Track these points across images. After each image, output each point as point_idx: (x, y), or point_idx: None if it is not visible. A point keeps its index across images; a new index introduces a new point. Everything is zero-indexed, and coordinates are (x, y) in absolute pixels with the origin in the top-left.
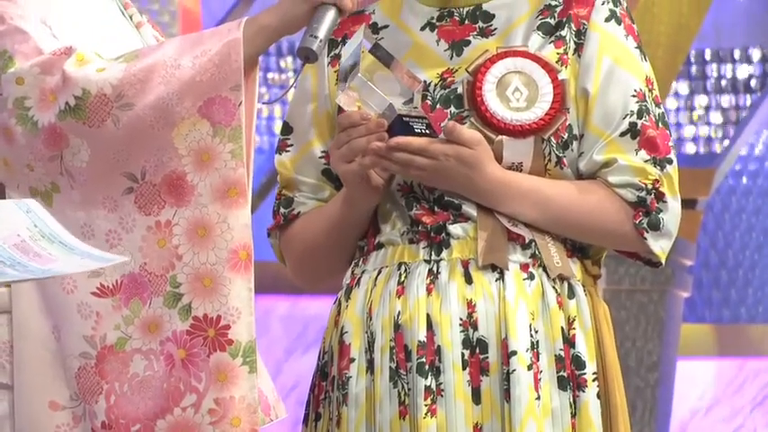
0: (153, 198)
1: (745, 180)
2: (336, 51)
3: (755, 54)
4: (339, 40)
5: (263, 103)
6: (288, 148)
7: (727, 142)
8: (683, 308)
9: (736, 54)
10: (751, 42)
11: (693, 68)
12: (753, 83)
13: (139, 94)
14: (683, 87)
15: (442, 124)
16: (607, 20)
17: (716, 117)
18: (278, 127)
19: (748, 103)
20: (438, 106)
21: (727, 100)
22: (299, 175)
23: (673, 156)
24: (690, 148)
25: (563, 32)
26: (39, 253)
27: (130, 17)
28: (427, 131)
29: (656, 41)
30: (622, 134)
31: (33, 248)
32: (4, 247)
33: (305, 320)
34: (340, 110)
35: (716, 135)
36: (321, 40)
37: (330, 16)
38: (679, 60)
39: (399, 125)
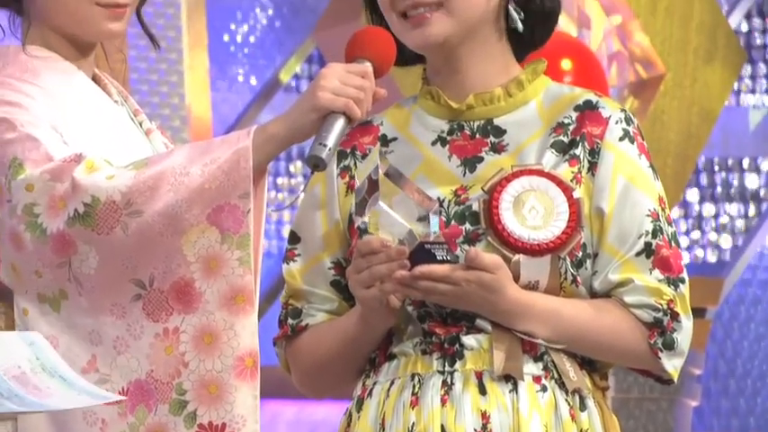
0: (161, 305)
1: (754, 289)
2: (346, 163)
3: (764, 164)
4: (348, 151)
5: (272, 210)
6: (296, 258)
7: (735, 251)
8: (691, 417)
9: (745, 163)
10: (760, 152)
11: (702, 177)
12: (762, 192)
13: (149, 201)
14: (691, 195)
15: (457, 241)
16: (621, 139)
17: (725, 226)
18: (286, 231)
19: (757, 212)
20: (453, 223)
21: (735, 209)
22: (307, 285)
23: (685, 275)
24: (698, 257)
25: (577, 151)
26: (38, 386)
27: (140, 124)
28: (448, 257)
29: (666, 150)
30: (637, 254)
31: (33, 381)
32: (4, 379)
33: (312, 426)
34: (351, 224)
35: (725, 244)
36: (330, 149)
37: (339, 125)
38: (688, 169)
39: (421, 252)
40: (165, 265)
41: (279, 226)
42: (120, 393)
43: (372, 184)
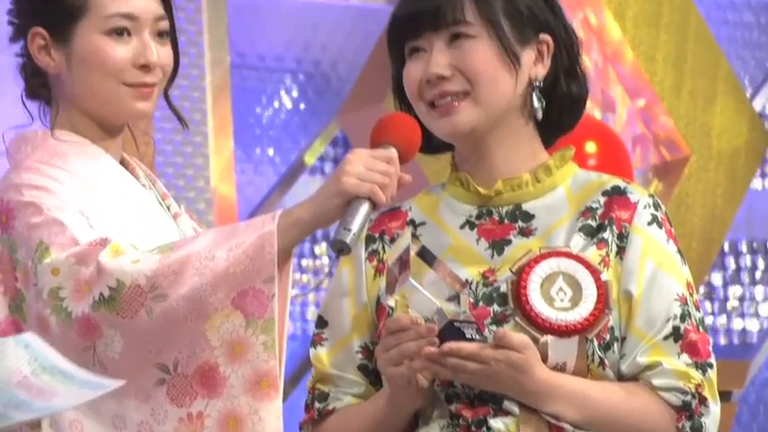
0: (185, 389)
1: None
2: (374, 247)
3: None
4: (377, 235)
5: (298, 295)
6: (323, 342)
7: (761, 334)
8: None
9: None
10: None
11: (728, 259)
12: None
13: (173, 285)
14: (716, 278)
15: (485, 322)
16: (649, 224)
17: (750, 308)
18: (311, 312)
19: None
20: (480, 304)
21: (761, 291)
22: (335, 369)
23: (713, 360)
24: (724, 340)
25: (605, 235)
26: (41, 388)
27: (168, 207)
28: (477, 336)
29: (690, 233)
30: (665, 337)
31: (36, 384)
32: (8, 389)
33: None
34: (379, 307)
35: (750, 327)
36: (354, 234)
37: (364, 210)
38: (713, 251)
39: (450, 330)
40: (189, 349)
41: (303, 308)
42: None
43: (403, 264)
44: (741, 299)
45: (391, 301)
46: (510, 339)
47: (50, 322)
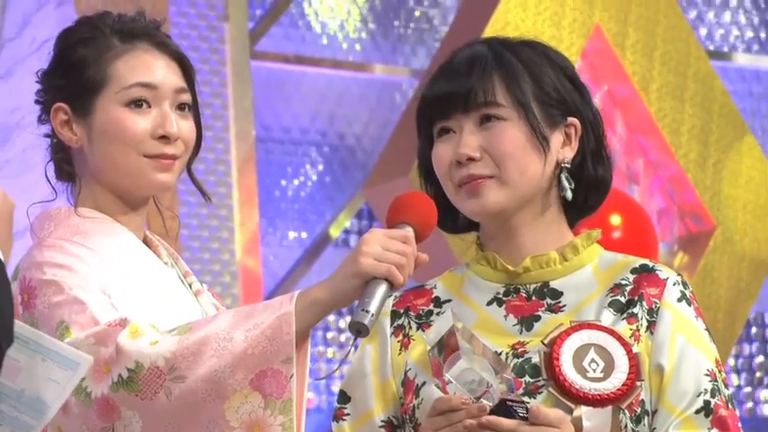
0: None
1: None
2: (400, 322)
3: None
4: (402, 311)
5: (317, 379)
6: (345, 417)
7: None
8: None
9: None
10: None
11: (753, 330)
12: None
13: (192, 366)
14: (743, 350)
15: (516, 391)
16: (679, 300)
17: None
18: (336, 385)
19: None
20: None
21: None
22: None
23: None
24: (752, 411)
25: (635, 310)
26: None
27: (190, 285)
28: (526, 415)
29: (716, 305)
30: (697, 412)
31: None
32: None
33: None
34: (406, 381)
35: None
36: (373, 315)
37: (381, 291)
38: (739, 325)
39: (501, 409)
40: (208, 430)
41: (329, 381)
42: None
43: (448, 346)
44: (766, 370)
45: (440, 382)
46: (546, 416)
47: (70, 402)
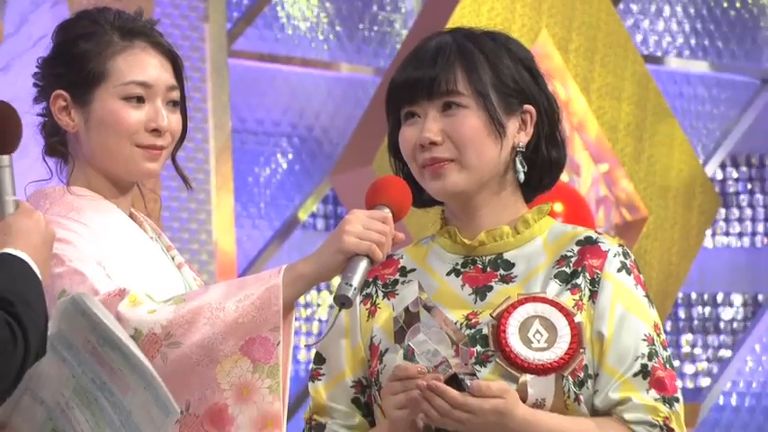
0: (196, 429)
1: (728, 413)
2: (368, 291)
3: (737, 299)
4: (370, 281)
5: (307, 346)
6: (320, 377)
7: (711, 378)
8: None
9: (719, 298)
10: (732, 288)
11: (681, 310)
12: (734, 325)
13: (187, 333)
14: (671, 327)
15: (469, 361)
16: (618, 270)
17: (701, 356)
18: (301, 355)
19: (731, 342)
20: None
21: (711, 340)
22: (330, 402)
23: (679, 395)
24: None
25: (578, 281)
26: (111, 367)
27: (173, 258)
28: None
29: (649, 286)
30: (635, 374)
31: (104, 358)
32: (90, 362)
33: None
34: (372, 347)
35: (701, 372)
36: (355, 288)
37: (363, 266)
38: (668, 304)
39: (453, 381)
40: (200, 391)
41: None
42: None
43: (411, 315)
44: (693, 346)
45: (401, 349)
46: (489, 390)
47: None
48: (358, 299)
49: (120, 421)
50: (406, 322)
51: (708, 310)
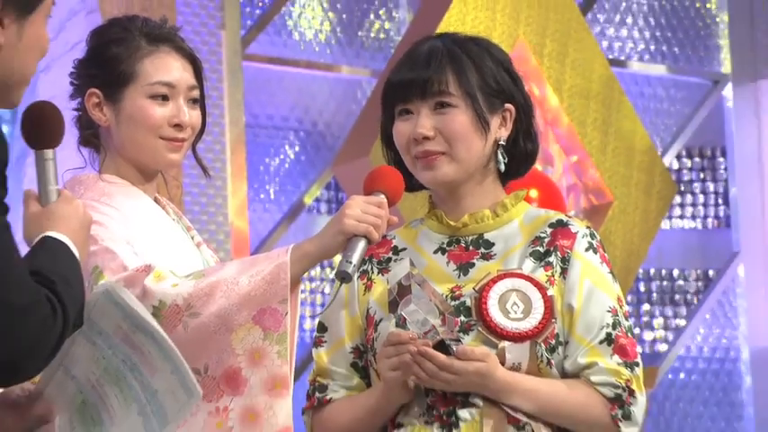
0: (213, 388)
1: (682, 375)
2: (365, 268)
3: (690, 274)
4: (366, 259)
5: (312, 316)
6: (323, 344)
7: (667, 345)
8: None
9: (675, 273)
10: (687, 265)
11: (641, 284)
12: (688, 297)
13: (205, 305)
14: (633, 300)
15: (455, 329)
16: (586, 250)
17: (658, 324)
18: (306, 324)
19: (686, 313)
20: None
21: (667, 310)
22: (332, 365)
23: (639, 360)
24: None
25: (551, 259)
26: (142, 351)
27: (192, 237)
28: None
29: (613, 263)
30: (600, 342)
31: (135, 342)
32: (121, 347)
33: None
34: (368, 317)
35: (659, 339)
36: (354, 265)
37: (361, 246)
38: (630, 278)
39: (440, 346)
40: (217, 356)
41: (301, 320)
42: None
43: (403, 288)
44: (652, 316)
45: (395, 318)
46: (473, 354)
47: None
48: (356, 275)
49: (146, 399)
50: (399, 294)
51: (665, 284)
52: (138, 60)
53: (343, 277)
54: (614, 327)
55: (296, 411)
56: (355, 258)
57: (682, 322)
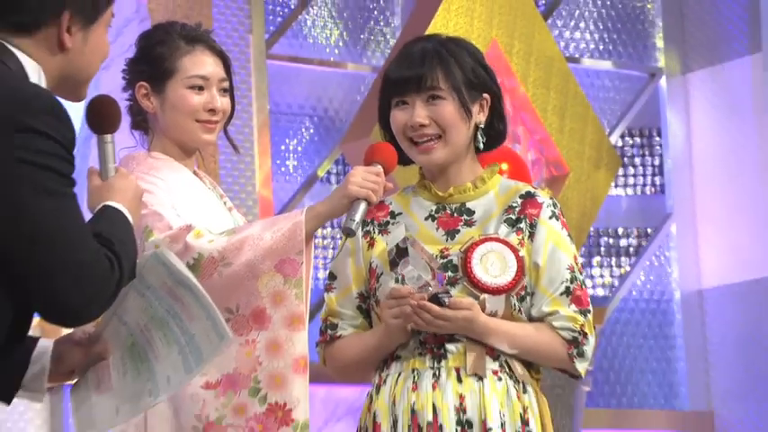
0: (243, 324)
1: (626, 314)
2: (367, 228)
3: (632, 232)
4: (369, 221)
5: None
6: (333, 290)
7: (614, 289)
8: (585, 398)
9: (620, 231)
10: (629, 224)
11: (592, 240)
12: (630, 250)
13: (236, 256)
14: (586, 253)
15: (443, 283)
16: (550, 217)
17: (607, 273)
18: (320, 273)
19: (628, 263)
20: (439, 270)
21: (614, 261)
22: (340, 308)
23: (590, 308)
24: (590, 293)
25: (521, 225)
26: (183, 302)
27: (224, 203)
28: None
29: (570, 224)
30: (560, 294)
31: (178, 294)
32: (165, 298)
33: (336, 401)
34: (370, 268)
35: (608, 283)
36: (357, 222)
37: (362, 207)
38: (583, 236)
39: (434, 299)
40: (246, 298)
41: (315, 270)
42: (215, 382)
43: (401, 250)
44: (601, 266)
45: (394, 276)
46: (461, 303)
47: None
48: (360, 233)
49: (185, 341)
50: (397, 255)
51: (611, 240)
52: (178, 58)
53: (348, 233)
54: (572, 281)
55: (310, 344)
56: (357, 217)
57: (625, 270)
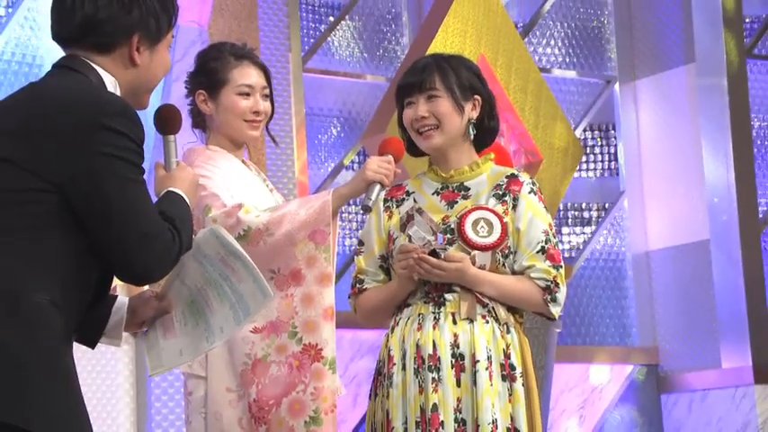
0: (284, 282)
1: (589, 271)
2: (388, 204)
3: (593, 206)
4: (389, 198)
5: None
6: (361, 253)
7: (578, 251)
8: (557, 337)
9: (583, 205)
10: (590, 200)
11: (561, 213)
12: (592, 220)
13: (278, 228)
14: (558, 222)
15: (443, 243)
16: (529, 192)
17: (573, 239)
18: (347, 242)
19: (590, 231)
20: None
21: (578, 229)
22: (367, 267)
23: (562, 263)
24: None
25: (506, 198)
26: (233, 268)
27: (267, 186)
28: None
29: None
30: (537, 252)
31: (229, 263)
32: (218, 265)
33: (360, 342)
34: (389, 235)
35: (573, 247)
36: (373, 201)
37: (377, 189)
38: (554, 210)
39: (433, 254)
40: (285, 261)
41: (342, 239)
42: (261, 328)
43: (409, 217)
44: (569, 233)
45: (404, 236)
46: (455, 256)
47: None
48: (382, 207)
49: (235, 299)
50: (407, 220)
51: (576, 213)
52: (229, 71)
53: (366, 209)
54: (546, 242)
55: (336, 298)
56: (373, 196)
57: (588, 237)
